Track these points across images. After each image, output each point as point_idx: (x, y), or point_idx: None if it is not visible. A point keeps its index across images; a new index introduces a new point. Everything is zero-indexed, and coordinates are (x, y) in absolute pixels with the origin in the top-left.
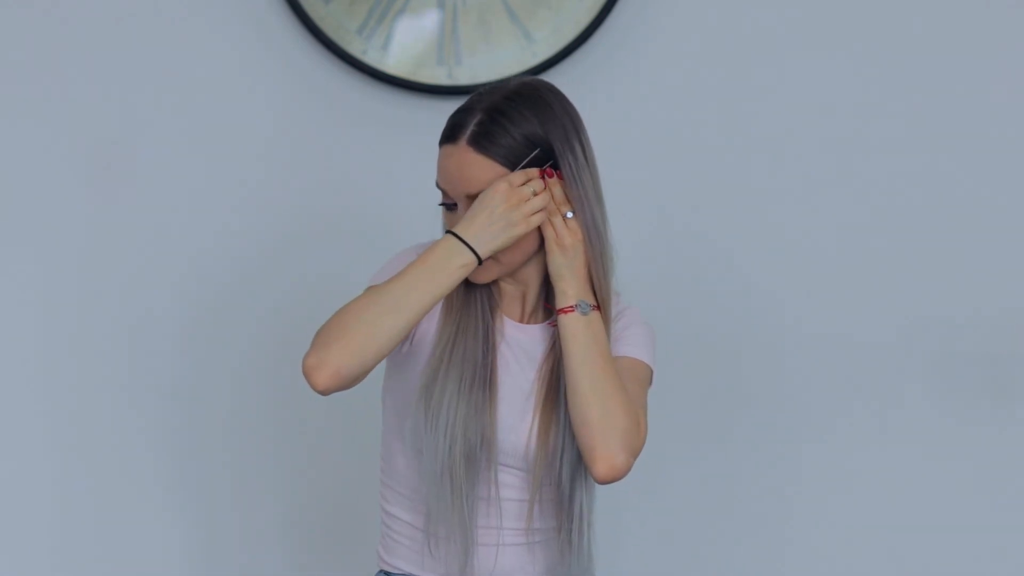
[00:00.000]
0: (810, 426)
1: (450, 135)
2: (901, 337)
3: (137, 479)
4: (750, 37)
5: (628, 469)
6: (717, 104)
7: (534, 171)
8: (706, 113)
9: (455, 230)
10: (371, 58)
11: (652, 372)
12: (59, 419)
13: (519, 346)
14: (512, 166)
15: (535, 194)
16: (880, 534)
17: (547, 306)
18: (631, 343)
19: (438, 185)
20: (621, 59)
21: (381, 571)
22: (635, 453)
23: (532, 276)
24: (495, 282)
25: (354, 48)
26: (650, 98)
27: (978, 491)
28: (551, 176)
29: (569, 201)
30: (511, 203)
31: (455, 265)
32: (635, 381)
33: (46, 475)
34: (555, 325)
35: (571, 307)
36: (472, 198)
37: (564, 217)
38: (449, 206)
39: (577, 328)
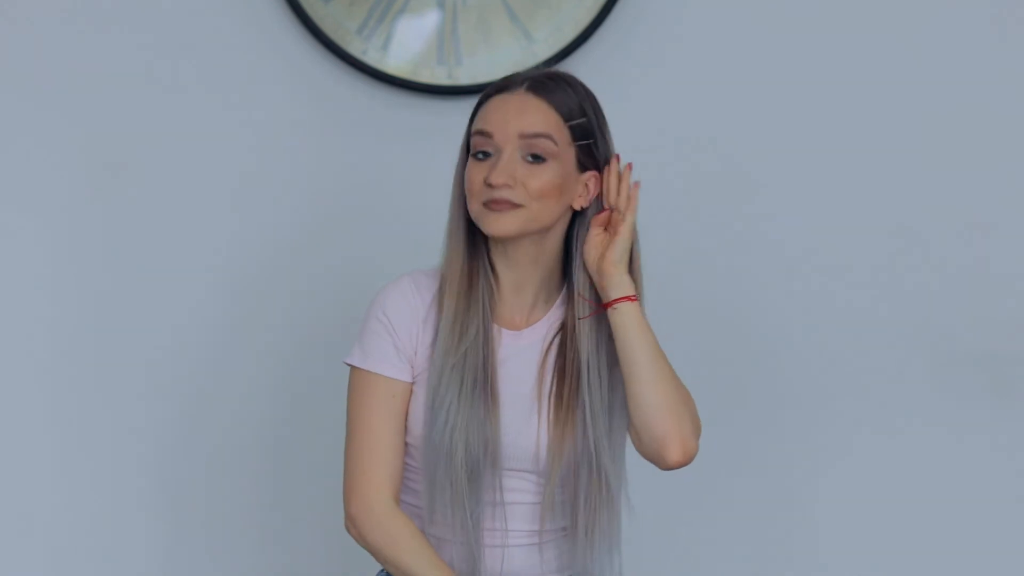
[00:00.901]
0: (812, 426)
1: (503, 87)
2: (903, 337)
3: (139, 480)
4: (750, 36)
5: (696, 454)
6: (717, 104)
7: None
8: (706, 113)
9: (629, 292)
10: (371, 58)
11: None
12: (64, 422)
13: (518, 351)
14: (567, 118)
15: None
16: (882, 534)
17: (584, 299)
18: None
19: (478, 133)
20: (621, 59)
21: (383, 571)
22: (699, 437)
23: (531, 269)
24: (493, 290)
25: (354, 48)
26: (650, 98)
27: (980, 490)
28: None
29: (584, 188)
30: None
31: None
32: None
33: (49, 476)
34: (593, 314)
35: (634, 296)
36: (525, 138)
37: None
38: (481, 155)
39: (639, 317)
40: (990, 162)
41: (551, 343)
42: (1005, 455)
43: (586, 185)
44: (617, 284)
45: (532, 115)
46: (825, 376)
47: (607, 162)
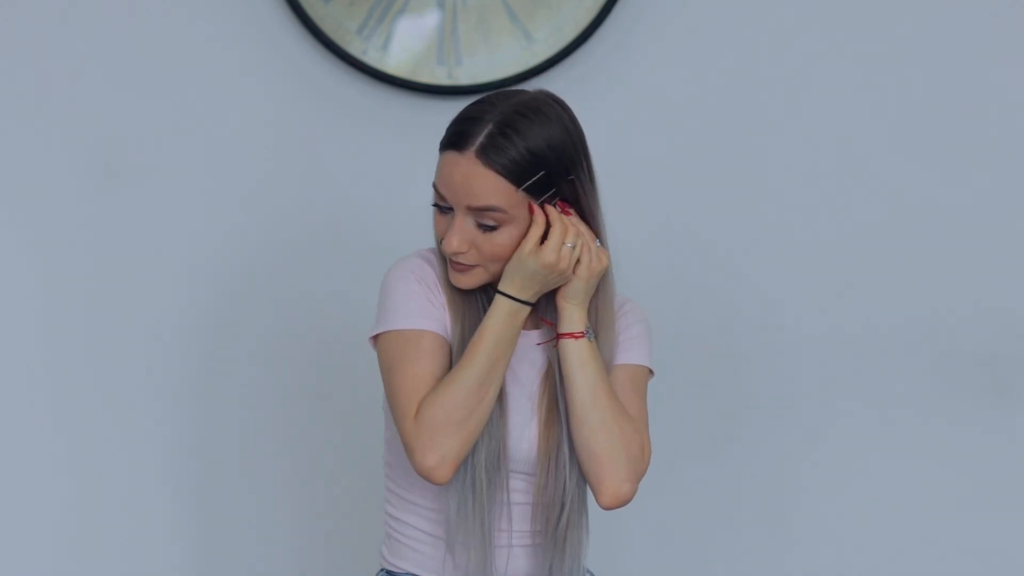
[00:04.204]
0: (812, 426)
1: (457, 143)
2: (902, 337)
3: (140, 481)
4: (750, 37)
5: (633, 496)
6: (717, 104)
7: (567, 219)
8: (706, 113)
9: (511, 293)
10: (371, 58)
11: (652, 373)
12: (61, 423)
13: (521, 353)
14: (518, 183)
15: (573, 247)
16: (882, 534)
17: (545, 322)
18: (636, 347)
19: (435, 187)
20: (621, 59)
21: (383, 570)
22: (640, 478)
23: None
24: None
25: (354, 48)
26: (650, 98)
27: (979, 491)
28: (569, 212)
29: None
30: (564, 263)
31: (519, 322)
32: (640, 393)
33: (51, 479)
34: (545, 343)
35: (582, 332)
36: (473, 210)
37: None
38: (443, 208)
39: (586, 356)
40: (990, 160)
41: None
42: (1005, 454)
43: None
44: (566, 319)
45: (479, 187)
46: (826, 377)
47: (582, 187)
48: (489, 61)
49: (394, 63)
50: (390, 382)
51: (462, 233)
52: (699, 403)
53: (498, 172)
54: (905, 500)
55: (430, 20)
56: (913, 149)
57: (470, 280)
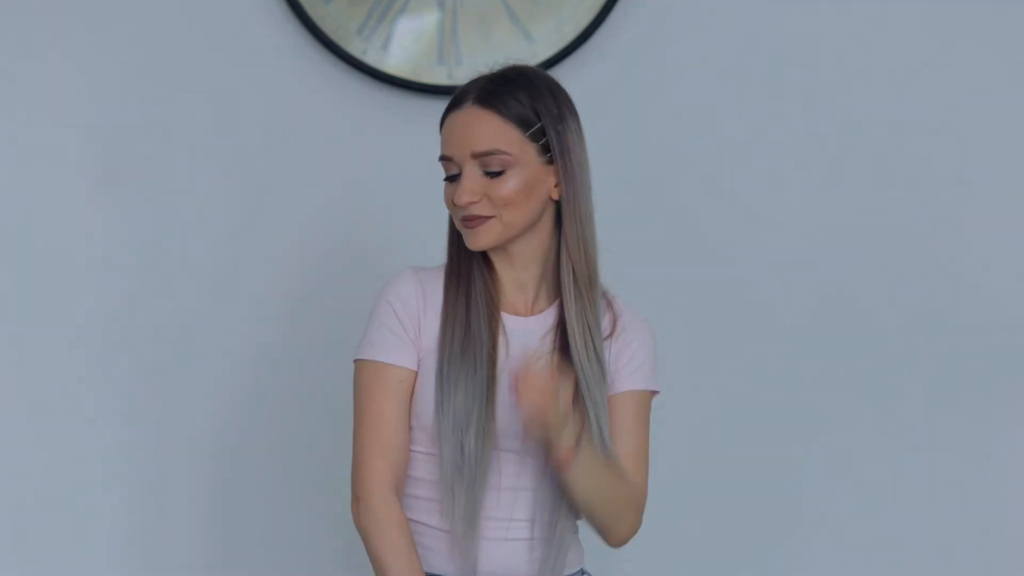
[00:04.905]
0: (812, 426)
1: (454, 104)
2: (902, 337)
3: (140, 482)
4: (749, 37)
5: (635, 533)
6: (717, 104)
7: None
8: (706, 113)
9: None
10: (371, 58)
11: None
12: (58, 422)
13: (522, 335)
14: (518, 125)
15: None
16: (882, 533)
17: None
18: (642, 370)
19: (442, 158)
20: (621, 59)
21: None
22: (642, 513)
23: (528, 260)
24: (494, 277)
25: (354, 48)
26: (650, 98)
27: (980, 490)
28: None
29: (557, 176)
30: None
31: None
32: (645, 422)
33: (49, 479)
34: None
35: (570, 454)
36: (478, 157)
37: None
38: (452, 178)
39: (581, 473)
40: (990, 161)
41: (548, 334)
42: (1005, 454)
43: (557, 174)
44: (566, 436)
45: (480, 131)
46: (825, 377)
47: (571, 148)
48: (489, 62)
49: (394, 63)
50: (356, 410)
51: (471, 182)
52: (699, 403)
53: (496, 112)
54: (905, 500)
55: (430, 20)
56: (915, 148)
57: (486, 236)
